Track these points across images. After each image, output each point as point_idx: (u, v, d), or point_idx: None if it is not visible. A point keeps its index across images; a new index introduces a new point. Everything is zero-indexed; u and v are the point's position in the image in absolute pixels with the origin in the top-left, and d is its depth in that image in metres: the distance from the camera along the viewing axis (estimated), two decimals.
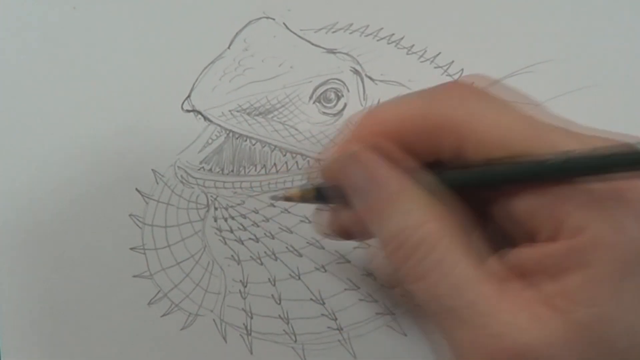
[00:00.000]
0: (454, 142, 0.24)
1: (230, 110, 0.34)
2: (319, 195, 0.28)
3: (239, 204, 0.34)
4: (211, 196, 0.34)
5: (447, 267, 0.23)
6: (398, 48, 0.34)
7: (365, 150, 0.25)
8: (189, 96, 0.34)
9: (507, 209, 0.25)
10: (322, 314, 0.34)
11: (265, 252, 0.34)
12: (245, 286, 0.34)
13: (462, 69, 0.34)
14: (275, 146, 0.34)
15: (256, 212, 0.34)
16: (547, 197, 0.23)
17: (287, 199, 0.29)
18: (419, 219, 0.24)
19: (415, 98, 0.26)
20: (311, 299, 0.34)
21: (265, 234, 0.34)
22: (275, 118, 0.34)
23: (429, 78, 0.34)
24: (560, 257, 0.23)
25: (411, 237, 0.24)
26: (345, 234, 0.28)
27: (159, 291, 0.34)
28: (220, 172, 0.34)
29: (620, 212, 0.22)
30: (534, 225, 0.24)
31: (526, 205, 0.24)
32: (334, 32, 0.34)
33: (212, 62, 0.34)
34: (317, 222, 0.32)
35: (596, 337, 0.22)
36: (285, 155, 0.34)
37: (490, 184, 0.24)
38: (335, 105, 0.34)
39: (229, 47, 0.34)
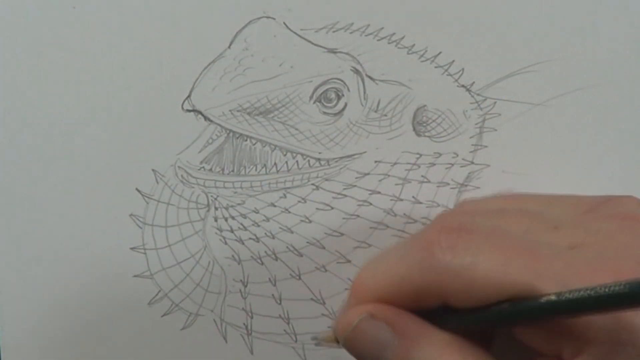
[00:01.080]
0: (439, 298, 0.25)
1: (230, 110, 0.33)
2: None
3: (239, 204, 0.34)
4: (211, 196, 0.34)
5: None
6: (398, 48, 0.34)
7: (377, 308, 0.26)
8: (189, 96, 0.34)
9: (519, 337, 0.25)
10: (323, 314, 0.34)
11: (265, 252, 0.34)
12: (246, 286, 0.34)
13: (463, 69, 0.34)
14: (276, 146, 0.34)
15: (256, 211, 0.34)
16: (542, 329, 0.24)
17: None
18: (437, 356, 0.25)
19: (398, 258, 0.26)
20: (312, 299, 0.34)
21: (265, 233, 0.34)
22: (275, 118, 0.34)
23: (429, 78, 0.34)
24: None
25: None
26: None
27: (159, 291, 0.34)
28: (221, 171, 0.34)
29: (620, 340, 0.22)
30: (539, 349, 0.24)
31: (526, 335, 0.25)
32: (334, 31, 0.34)
33: (213, 62, 0.34)
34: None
35: None
36: (285, 155, 0.34)
37: (484, 326, 0.25)
38: (335, 105, 0.34)
39: (229, 47, 0.34)
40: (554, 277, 0.23)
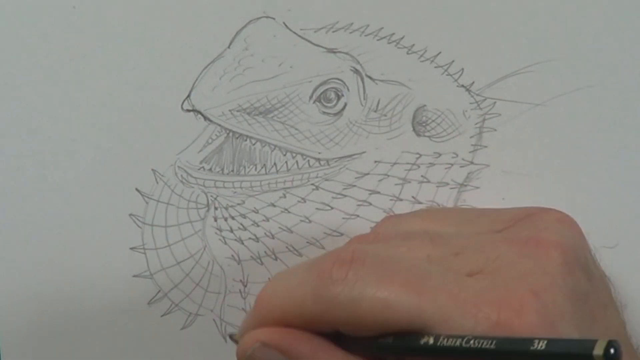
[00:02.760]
0: (332, 327, 0.25)
1: (230, 110, 0.34)
2: None
3: (239, 204, 0.34)
4: (211, 196, 0.34)
5: None
6: (398, 47, 0.34)
7: (271, 334, 0.26)
8: (188, 96, 0.34)
9: None
10: None
11: (265, 252, 0.34)
12: (246, 286, 0.34)
13: (462, 69, 0.34)
14: (276, 146, 0.34)
15: (256, 211, 0.34)
16: None
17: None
18: None
19: (295, 281, 0.26)
20: None
21: (265, 233, 0.34)
22: (275, 118, 0.34)
23: (429, 78, 0.34)
24: None
25: None
26: None
27: (159, 291, 0.34)
28: (221, 171, 0.34)
29: None
30: None
31: None
32: (334, 31, 0.34)
33: (212, 62, 0.34)
34: None
35: None
36: (285, 155, 0.34)
37: (375, 355, 0.25)
38: (335, 105, 0.34)
39: (229, 47, 0.34)
40: (438, 311, 0.23)
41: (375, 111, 0.34)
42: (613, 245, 0.34)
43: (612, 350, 0.19)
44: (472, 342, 0.21)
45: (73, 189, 0.33)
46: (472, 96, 0.34)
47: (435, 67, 0.34)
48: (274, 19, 0.34)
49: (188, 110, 0.34)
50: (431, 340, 0.22)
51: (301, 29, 0.34)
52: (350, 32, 0.34)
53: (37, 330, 0.33)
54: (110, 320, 0.33)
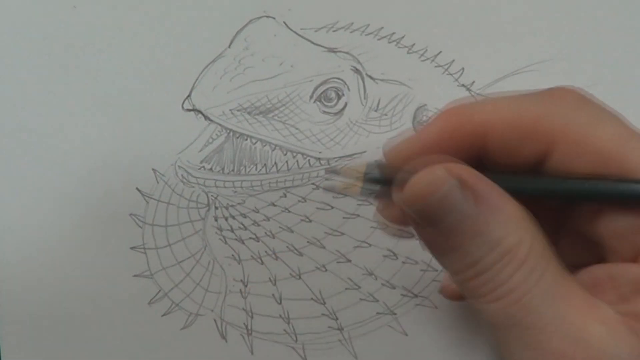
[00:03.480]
0: (543, 148, 0.24)
1: (230, 110, 0.34)
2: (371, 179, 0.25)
3: (239, 203, 0.34)
4: (212, 195, 0.34)
5: (539, 276, 0.23)
6: (398, 47, 0.34)
7: (465, 172, 0.23)
8: (189, 95, 0.34)
9: (585, 226, 0.24)
10: (323, 314, 0.34)
11: (265, 252, 0.34)
12: (246, 285, 0.34)
13: (463, 68, 0.34)
14: (276, 145, 0.34)
15: (257, 211, 0.34)
16: (630, 219, 0.23)
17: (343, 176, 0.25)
18: (514, 229, 0.23)
19: (509, 100, 0.25)
20: (312, 299, 0.34)
21: (265, 233, 0.34)
22: (275, 117, 0.34)
23: (429, 77, 0.34)
24: (637, 279, 0.23)
25: (513, 248, 0.23)
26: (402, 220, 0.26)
27: (159, 291, 0.33)
28: (221, 171, 0.34)
29: None
30: (612, 245, 0.24)
31: (607, 225, 0.24)
32: (334, 31, 0.34)
33: (213, 61, 0.34)
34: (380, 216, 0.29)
35: None
36: (285, 155, 0.34)
37: (569, 199, 0.24)
38: (335, 104, 0.34)
39: (229, 46, 0.34)
40: None
41: (375, 110, 0.34)
42: None
43: None
44: None
45: (73, 189, 0.33)
46: (473, 95, 0.34)
47: (436, 66, 0.34)
48: (274, 18, 0.34)
49: (189, 110, 0.34)
50: None
51: (301, 29, 0.34)
52: (351, 32, 0.34)
53: (37, 329, 0.33)
54: (110, 320, 0.33)
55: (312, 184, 0.34)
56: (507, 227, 0.23)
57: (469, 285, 0.23)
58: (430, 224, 0.23)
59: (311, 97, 0.34)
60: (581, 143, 0.23)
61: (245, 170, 0.34)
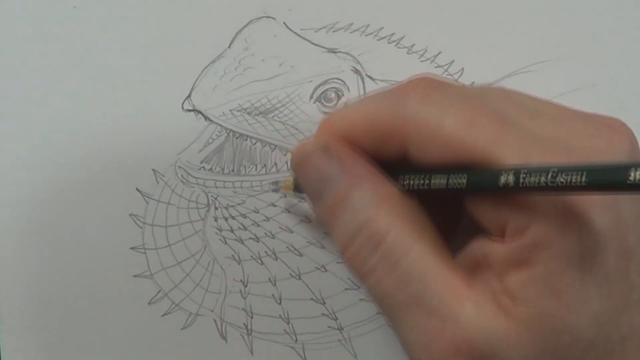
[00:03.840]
0: (400, 146, 0.25)
1: (230, 110, 0.34)
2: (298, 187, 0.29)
3: (239, 204, 0.34)
4: (212, 196, 0.34)
5: (409, 254, 0.24)
6: (398, 47, 0.34)
7: (329, 144, 0.26)
8: (189, 95, 0.34)
9: (468, 209, 0.25)
10: (323, 314, 0.34)
11: (265, 252, 0.34)
12: (246, 286, 0.34)
13: (463, 68, 0.34)
14: (276, 146, 0.34)
15: (257, 211, 0.34)
16: (497, 202, 0.23)
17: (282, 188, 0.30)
18: (378, 209, 0.25)
19: (370, 101, 0.26)
20: (312, 299, 0.34)
21: (265, 233, 0.34)
22: (275, 117, 0.34)
23: None
24: (506, 257, 0.23)
25: (370, 226, 0.25)
26: None
27: (159, 291, 0.33)
28: (221, 171, 0.34)
29: (564, 218, 0.22)
30: (483, 224, 0.24)
31: (474, 205, 0.24)
32: (334, 31, 0.34)
33: (213, 62, 0.34)
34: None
35: (538, 335, 0.23)
36: (285, 155, 0.34)
37: (433, 190, 0.24)
38: (335, 105, 0.34)
39: (229, 47, 0.34)
40: (518, 149, 0.22)
41: None
42: None
43: None
44: (560, 177, 0.20)
45: (73, 189, 0.33)
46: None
47: (436, 67, 0.34)
48: (274, 18, 0.34)
49: (188, 110, 0.34)
50: (511, 180, 0.21)
51: (301, 29, 0.34)
52: (351, 32, 0.34)
53: (38, 330, 0.33)
54: (110, 320, 0.33)
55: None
56: (372, 205, 0.24)
57: (347, 262, 0.26)
58: (308, 190, 0.26)
59: (311, 97, 0.34)
60: (429, 135, 0.24)
61: (245, 171, 0.34)
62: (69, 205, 0.33)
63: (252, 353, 0.34)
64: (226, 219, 0.34)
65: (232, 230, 0.34)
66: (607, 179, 0.19)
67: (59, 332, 0.33)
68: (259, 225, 0.34)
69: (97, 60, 0.34)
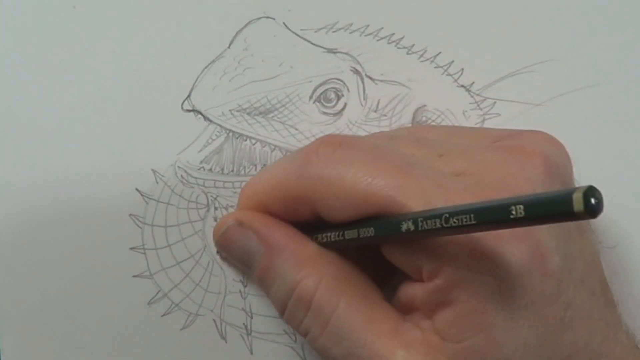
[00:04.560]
0: (311, 207, 0.25)
1: (230, 110, 0.34)
2: None
3: None
4: (211, 196, 0.34)
5: (336, 310, 0.25)
6: (398, 48, 0.34)
7: (246, 218, 0.27)
8: (189, 96, 0.34)
9: (387, 256, 0.26)
10: None
11: None
12: (246, 286, 0.34)
13: (462, 69, 0.34)
14: (276, 146, 0.34)
15: None
16: (409, 247, 0.24)
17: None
18: (302, 272, 0.26)
19: (278, 168, 0.27)
20: None
21: None
22: (275, 118, 0.34)
23: (428, 78, 0.34)
24: (429, 298, 0.24)
25: (296, 290, 0.26)
26: None
27: (159, 291, 0.34)
28: (221, 171, 0.34)
29: (477, 256, 0.23)
30: (402, 268, 0.25)
31: (390, 252, 0.25)
32: (334, 31, 0.34)
33: (212, 62, 0.34)
34: None
35: None
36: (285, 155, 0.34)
37: (350, 243, 0.25)
38: (335, 105, 0.34)
39: (229, 47, 0.34)
40: (420, 194, 0.23)
41: (375, 111, 0.34)
42: (613, 245, 0.34)
43: (593, 201, 0.17)
44: (452, 220, 0.21)
45: (73, 189, 0.33)
46: (472, 96, 0.34)
47: (435, 67, 0.34)
48: (274, 19, 0.34)
49: (188, 110, 0.34)
50: (411, 226, 0.22)
51: (301, 29, 0.34)
52: (350, 32, 0.34)
53: (37, 330, 0.33)
54: (110, 320, 0.33)
55: None
56: (295, 269, 0.26)
57: (288, 324, 0.27)
58: (236, 264, 0.28)
59: (311, 97, 0.34)
60: (333, 193, 0.24)
61: (245, 171, 0.34)
62: (69, 205, 0.33)
63: (251, 353, 0.34)
64: None
65: None
66: (493, 217, 0.20)
67: (59, 332, 0.33)
68: None
69: (97, 60, 0.34)
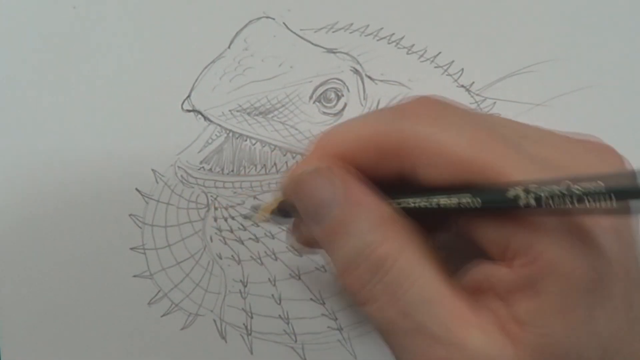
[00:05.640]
0: (407, 165, 0.24)
1: (230, 110, 0.34)
2: (282, 211, 0.28)
3: (239, 204, 0.34)
4: (211, 196, 0.34)
5: (416, 281, 0.23)
6: (398, 48, 0.34)
7: (326, 167, 0.25)
8: (189, 96, 0.34)
9: (464, 229, 0.25)
10: (322, 314, 0.34)
11: (265, 252, 0.34)
12: (246, 286, 0.34)
13: (462, 69, 0.34)
14: (276, 146, 0.34)
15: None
16: (501, 222, 0.23)
17: (259, 215, 0.29)
18: (382, 235, 0.24)
19: (371, 118, 0.25)
20: (311, 299, 0.34)
21: (265, 233, 0.34)
22: (275, 118, 0.34)
23: (428, 78, 0.34)
24: (512, 282, 0.23)
25: (375, 253, 0.24)
26: (314, 245, 0.28)
27: (159, 291, 0.34)
28: (221, 171, 0.34)
29: (574, 243, 0.22)
30: (485, 246, 0.24)
31: (474, 226, 0.24)
32: (334, 31, 0.34)
33: (212, 62, 0.34)
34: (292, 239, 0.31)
35: None
36: (285, 155, 0.34)
37: (439, 212, 0.24)
38: (335, 105, 0.34)
39: (229, 47, 0.34)
40: (520, 165, 0.22)
41: None
42: None
43: None
44: (575, 188, 0.19)
45: (73, 189, 0.33)
46: (472, 96, 0.34)
47: (435, 67, 0.34)
48: (274, 19, 0.34)
49: (188, 111, 0.34)
50: (522, 194, 0.21)
51: (301, 29, 0.34)
52: (350, 32, 0.34)
53: (38, 329, 0.33)
54: (110, 320, 0.33)
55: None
56: (374, 230, 0.24)
57: (347, 288, 0.24)
58: (305, 215, 0.25)
59: (311, 97, 0.34)
60: (438, 155, 0.23)
61: (244, 171, 0.34)
62: (69, 205, 0.33)
63: (251, 353, 0.34)
64: (226, 219, 0.34)
65: (231, 231, 0.34)
66: (625, 185, 0.19)
67: (58, 332, 0.33)
68: (258, 226, 0.34)
69: (97, 60, 0.34)
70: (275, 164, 0.34)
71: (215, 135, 0.34)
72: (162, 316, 0.34)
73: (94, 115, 0.34)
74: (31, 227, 0.33)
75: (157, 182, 0.34)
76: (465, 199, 0.23)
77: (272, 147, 0.34)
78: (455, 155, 0.23)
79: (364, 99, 0.34)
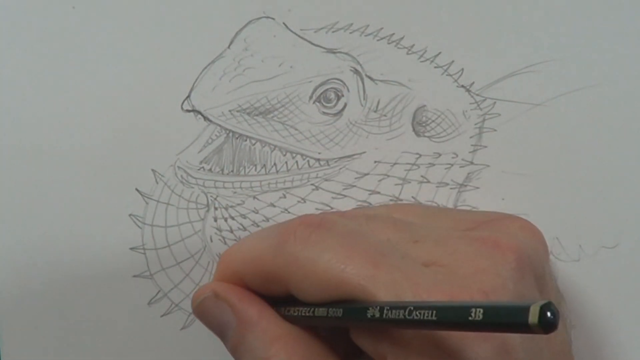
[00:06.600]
0: (284, 286, 0.26)
1: (230, 110, 0.34)
2: None
3: (239, 204, 0.34)
4: (211, 196, 0.34)
5: None
6: (398, 48, 0.34)
7: (223, 290, 0.27)
8: (188, 96, 0.34)
9: (359, 343, 0.26)
10: None
11: None
12: None
13: (462, 69, 0.34)
14: (275, 146, 0.34)
15: (256, 212, 0.34)
16: (370, 332, 0.24)
17: None
18: (275, 351, 0.26)
19: (257, 241, 0.27)
20: None
21: None
22: (275, 118, 0.34)
23: (429, 78, 0.34)
24: None
25: None
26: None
27: (159, 291, 0.34)
28: (220, 172, 0.34)
29: (434, 349, 0.23)
30: (368, 354, 0.25)
31: (358, 337, 0.25)
32: (334, 31, 0.34)
33: (212, 62, 0.34)
34: None
35: None
36: (285, 155, 0.34)
37: (319, 323, 0.26)
38: (335, 105, 0.34)
39: (229, 47, 0.34)
40: (390, 286, 0.23)
41: (375, 111, 0.34)
42: (613, 245, 0.34)
43: (548, 314, 0.17)
44: (415, 313, 0.21)
45: (73, 189, 0.33)
46: (472, 96, 0.34)
47: (435, 67, 0.34)
48: (273, 19, 0.34)
49: (188, 111, 0.34)
50: (377, 313, 0.22)
51: (301, 29, 0.34)
52: (350, 32, 0.34)
53: (37, 330, 0.33)
54: (110, 320, 0.33)
55: (312, 184, 0.34)
56: (267, 347, 0.26)
57: None
58: (213, 332, 0.28)
59: (310, 97, 0.34)
60: (306, 276, 0.25)
61: (244, 171, 0.34)
62: (68, 205, 0.33)
63: None
64: (226, 220, 0.34)
65: (231, 231, 0.34)
66: (454, 317, 0.20)
67: (59, 332, 0.33)
68: (258, 226, 0.34)
69: (97, 60, 0.34)
70: (275, 164, 0.34)
71: (215, 135, 0.34)
72: (162, 316, 0.34)
73: (94, 115, 0.34)
74: (31, 227, 0.33)
75: (157, 182, 0.34)
76: (334, 312, 0.24)
77: (272, 147, 0.34)
78: (321, 276, 0.24)
79: (364, 99, 0.34)
